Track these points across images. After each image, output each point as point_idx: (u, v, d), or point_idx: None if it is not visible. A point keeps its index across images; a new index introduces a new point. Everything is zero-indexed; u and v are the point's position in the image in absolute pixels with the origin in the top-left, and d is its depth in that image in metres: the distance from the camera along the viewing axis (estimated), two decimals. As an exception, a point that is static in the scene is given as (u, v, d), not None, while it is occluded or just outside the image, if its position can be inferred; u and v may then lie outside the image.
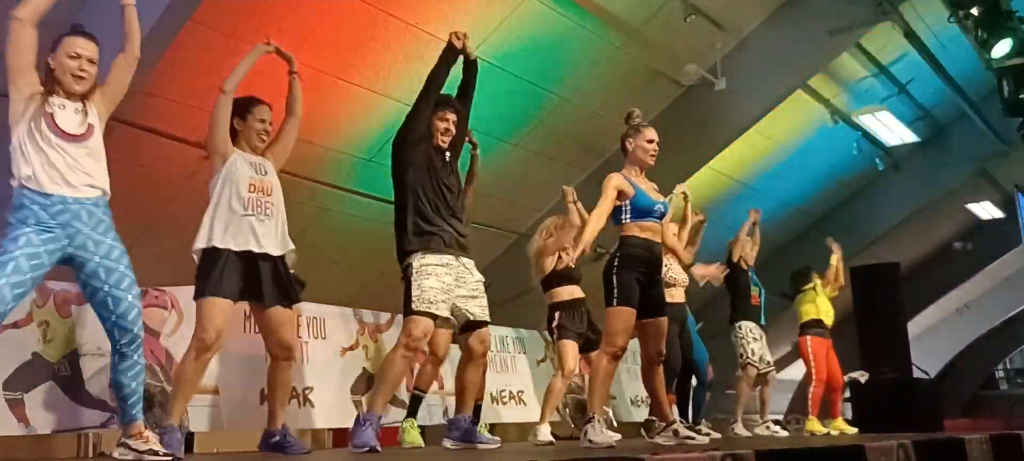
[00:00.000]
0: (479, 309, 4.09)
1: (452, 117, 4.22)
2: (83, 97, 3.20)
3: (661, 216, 4.40)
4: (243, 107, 3.91)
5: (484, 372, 4.77)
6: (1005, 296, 16.07)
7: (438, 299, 3.89)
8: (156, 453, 3.19)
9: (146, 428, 3.28)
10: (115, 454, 3.26)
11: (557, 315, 5.39)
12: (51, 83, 3.17)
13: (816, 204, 11.74)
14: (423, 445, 4.80)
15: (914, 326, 12.18)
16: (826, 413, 7.25)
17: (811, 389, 7.14)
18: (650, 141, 4.41)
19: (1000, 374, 22.07)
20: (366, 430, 3.78)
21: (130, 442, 3.24)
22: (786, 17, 8.15)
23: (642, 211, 4.30)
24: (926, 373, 9.99)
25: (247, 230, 3.73)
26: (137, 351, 3.25)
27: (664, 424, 4.49)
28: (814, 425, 7.04)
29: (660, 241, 4.47)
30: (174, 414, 3.68)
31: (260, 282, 3.75)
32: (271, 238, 3.80)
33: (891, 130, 10.47)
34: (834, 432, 7.02)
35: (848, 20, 8.01)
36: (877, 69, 9.50)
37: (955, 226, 13.99)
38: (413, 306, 3.87)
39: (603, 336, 4.39)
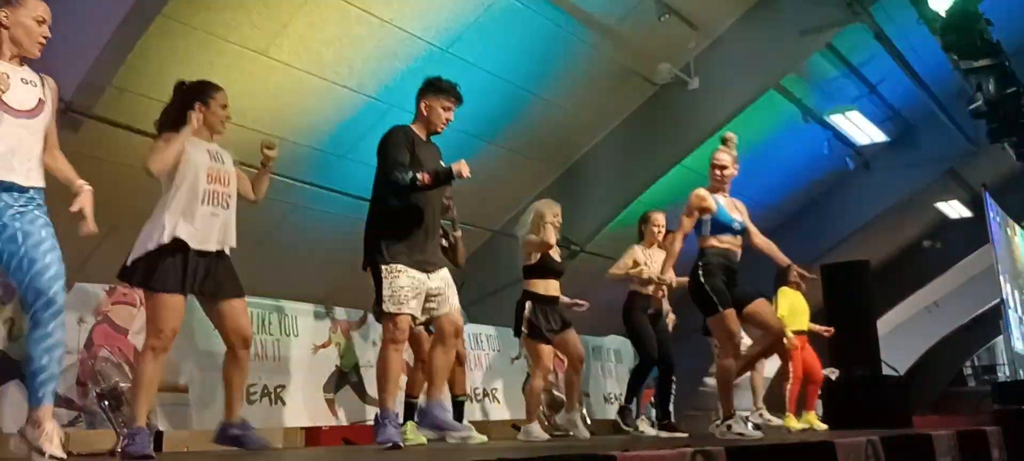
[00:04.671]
0: (452, 302, 4.07)
1: (451, 105, 4.13)
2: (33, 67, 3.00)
3: (738, 232, 4.85)
4: (203, 92, 3.75)
5: (458, 358, 4.90)
6: (973, 294, 16.28)
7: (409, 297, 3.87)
8: (43, 453, 2.81)
9: (53, 418, 2.90)
10: (12, 445, 3.03)
11: (528, 305, 5.35)
12: None
13: (787, 203, 11.83)
14: (425, 442, 4.75)
15: (883, 324, 12.32)
16: (801, 406, 7.33)
17: (788, 386, 7.20)
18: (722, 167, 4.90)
19: (968, 371, 22.41)
20: (388, 428, 3.79)
21: (27, 431, 2.87)
22: (758, 17, 8.21)
23: (723, 225, 4.76)
24: (895, 370, 10.11)
25: (203, 223, 3.58)
26: (53, 321, 2.89)
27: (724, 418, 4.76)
28: (790, 421, 7.09)
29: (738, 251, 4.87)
30: (140, 416, 3.50)
31: (212, 276, 3.63)
32: (225, 232, 3.68)
33: (861, 130, 10.58)
34: (805, 425, 7.10)
35: (819, 21, 8.08)
36: (848, 69, 9.60)
37: (924, 225, 14.18)
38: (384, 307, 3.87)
39: (719, 343, 4.81)
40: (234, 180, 3.77)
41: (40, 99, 2.98)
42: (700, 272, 4.69)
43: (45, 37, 3.00)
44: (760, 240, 5.13)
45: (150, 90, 5.95)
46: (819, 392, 7.64)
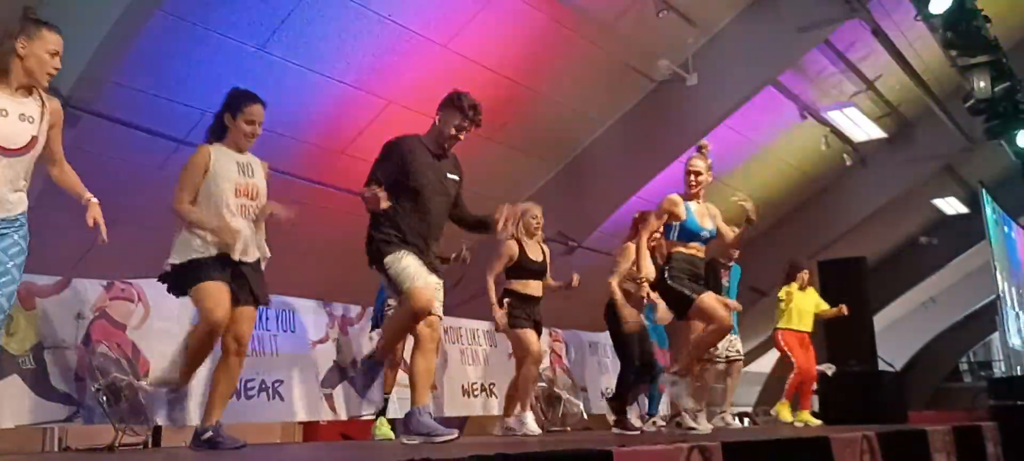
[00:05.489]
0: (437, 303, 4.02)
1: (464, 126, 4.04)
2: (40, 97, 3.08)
3: (706, 240, 5.00)
4: (236, 104, 3.75)
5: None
6: (969, 290, 16.33)
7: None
8: None
9: None
10: None
11: (506, 301, 5.40)
12: (9, 71, 3.00)
13: (785, 199, 11.85)
14: (393, 438, 4.81)
15: (880, 319, 12.33)
16: (795, 404, 7.35)
17: (790, 376, 7.24)
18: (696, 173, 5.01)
19: (964, 367, 22.47)
20: (423, 418, 3.79)
21: None
22: (757, 14, 8.22)
23: (689, 233, 4.92)
24: (891, 366, 10.13)
25: (239, 236, 3.65)
26: None
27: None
28: (784, 410, 7.14)
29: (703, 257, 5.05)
30: (213, 414, 3.71)
31: (237, 283, 3.69)
32: (253, 244, 3.74)
33: (859, 126, 10.60)
34: (800, 423, 7.11)
35: (818, 17, 8.09)
36: (845, 66, 9.61)
37: (921, 221, 14.20)
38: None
39: (706, 324, 4.92)
40: (263, 194, 3.80)
41: (33, 137, 3.04)
42: (667, 276, 4.92)
43: (55, 68, 3.07)
44: (731, 239, 5.28)
45: (148, 85, 5.96)
46: (814, 389, 7.65)
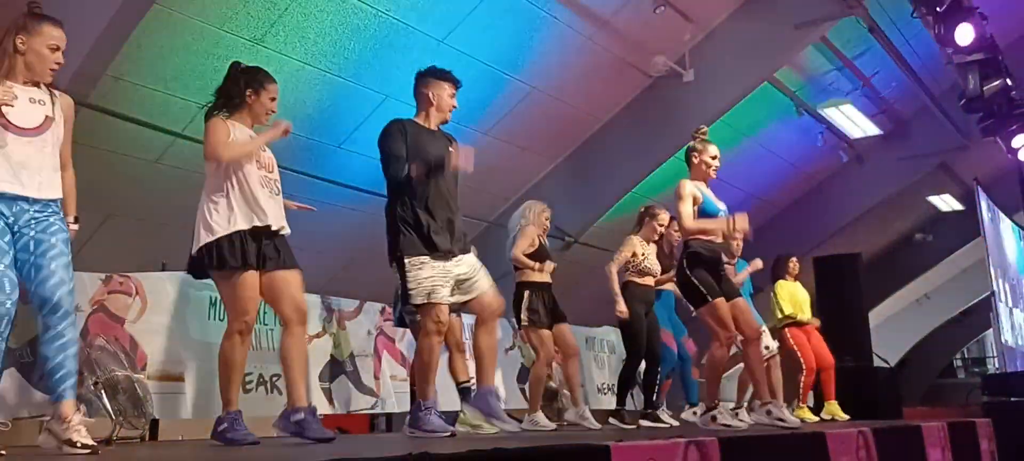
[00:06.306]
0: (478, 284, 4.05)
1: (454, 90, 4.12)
2: (49, 86, 3.09)
3: None
4: (256, 79, 3.70)
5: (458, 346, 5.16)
6: (963, 287, 16.37)
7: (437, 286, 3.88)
8: (74, 444, 2.87)
9: (77, 411, 2.98)
10: (38, 439, 3.04)
11: (526, 295, 5.40)
12: (8, 70, 3.00)
13: (780, 195, 11.88)
14: (484, 425, 4.74)
15: (875, 316, 12.39)
16: (818, 397, 7.23)
17: (801, 378, 7.02)
18: (714, 156, 4.95)
19: (958, 363, 22.57)
20: (430, 416, 3.83)
21: (53, 427, 2.94)
22: (753, 10, 8.23)
23: (709, 216, 4.81)
24: (886, 362, 10.15)
25: (255, 207, 3.54)
26: (62, 322, 2.95)
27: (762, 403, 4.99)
28: (804, 413, 6.91)
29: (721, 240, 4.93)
30: (232, 400, 3.52)
31: (265, 251, 3.56)
32: (277, 214, 3.62)
33: (854, 123, 10.62)
34: (827, 417, 6.96)
35: (814, 14, 8.10)
36: (842, 63, 9.63)
37: (916, 218, 14.24)
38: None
39: (712, 332, 4.81)
40: (275, 166, 3.74)
41: (46, 116, 3.05)
42: (685, 264, 4.76)
43: (58, 63, 3.07)
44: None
45: (145, 79, 5.95)
46: (833, 378, 7.42)
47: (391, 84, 6.98)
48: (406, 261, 3.84)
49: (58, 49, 3.07)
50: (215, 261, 3.48)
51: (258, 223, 3.53)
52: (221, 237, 3.48)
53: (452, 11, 6.78)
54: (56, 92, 3.13)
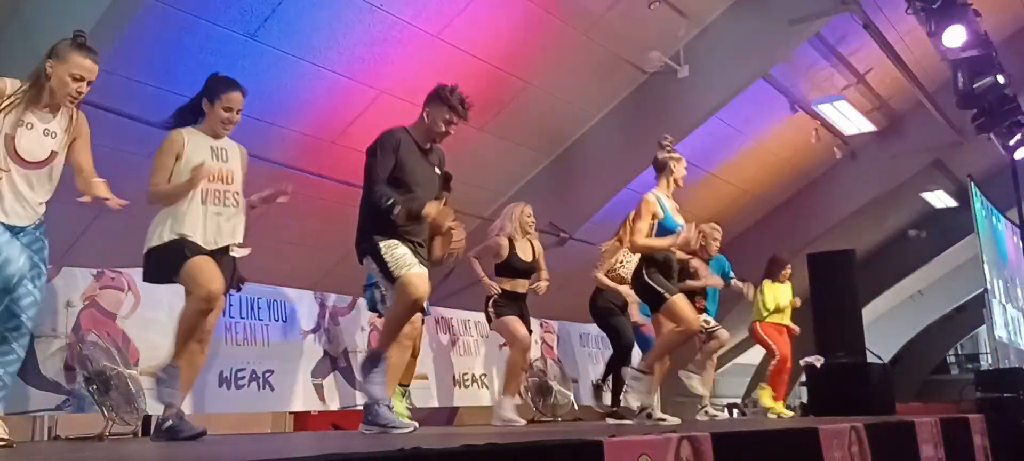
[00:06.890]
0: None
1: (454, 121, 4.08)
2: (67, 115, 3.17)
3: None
4: (214, 89, 3.71)
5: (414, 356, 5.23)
6: (957, 283, 16.43)
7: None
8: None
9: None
10: None
11: (492, 297, 5.64)
12: (36, 92, 3.09)
13: (774, 192, 11.89)
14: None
15: (869, 312, 12.41)
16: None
17: (772, 363, 7.46)
18: (684, 171, 5.18)
19: (951, 359, 22.65)
20: (381, 408, 3.82)
21: None
22: (748, 6, 8.22)
23: (668, 232, 4.97)
24: (879, 358, 10.17)
25: (204, 222, 3.60)
26: (19, 341, 3.13)
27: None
28: (765, 395, 7.31)
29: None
30: (177, 355, 3.62)
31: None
32: (228, 232, 3.67)
33: (849, 119, 10.63)
34: (772, 414, 7.22)
35: (809, 10, 8.10)
36: (836, 59, 9.63)
37: (910, 214, 14.27)
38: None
39: (676, 325, 4.97)
40: (239, 178, 3.75)
41: (53, 151, 3.17)
42: (643, 269, 4.99)
43: (79, 92, 3.16)
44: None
45: (139, 74, 5.92)
46: (798, 381, 7.77)
47: (385, 79, 6.97)
48: (381, 244, 3.86)
49: (82, 80, 3.14)
50: (176, 261, 3.58)
51: (199, 241, 3.59)
52: (162, 245, 3.59)
53: (446, 6, 6.77)
54: (75, 114, 3.22)
